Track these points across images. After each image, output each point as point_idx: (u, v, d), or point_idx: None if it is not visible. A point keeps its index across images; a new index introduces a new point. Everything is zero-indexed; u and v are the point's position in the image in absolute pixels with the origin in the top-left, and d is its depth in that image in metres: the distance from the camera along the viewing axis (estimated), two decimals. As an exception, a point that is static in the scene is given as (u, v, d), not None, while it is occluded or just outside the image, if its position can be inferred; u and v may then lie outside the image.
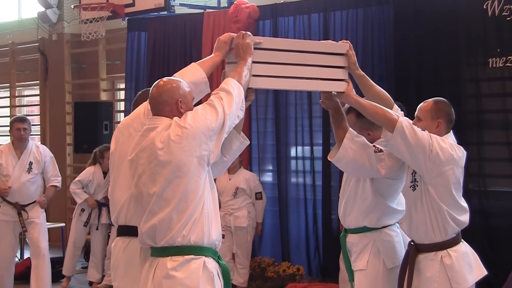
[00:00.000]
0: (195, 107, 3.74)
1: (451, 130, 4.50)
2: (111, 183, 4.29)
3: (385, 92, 4.54)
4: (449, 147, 4.32)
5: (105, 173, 8.89)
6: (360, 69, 4.39)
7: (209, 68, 4.02)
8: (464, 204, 4.44)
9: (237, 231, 8.36)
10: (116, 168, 4.18)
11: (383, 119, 4.30)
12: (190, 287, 3.60)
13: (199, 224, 3.64)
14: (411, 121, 4.35)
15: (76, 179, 9.09)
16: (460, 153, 4.38)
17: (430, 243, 4.42)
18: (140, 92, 4.76)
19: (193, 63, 4.03)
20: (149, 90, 4.21)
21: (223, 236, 8.35)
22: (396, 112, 4.42)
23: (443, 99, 4.55)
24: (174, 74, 3.93)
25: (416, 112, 4.52)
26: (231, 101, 3.75)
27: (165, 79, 3.84)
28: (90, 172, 9.03)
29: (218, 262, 3.78)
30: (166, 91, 3.74)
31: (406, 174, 4.54)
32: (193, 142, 3.60)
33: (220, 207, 8.40)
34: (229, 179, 8.39)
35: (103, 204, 8.91)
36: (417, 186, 4.42)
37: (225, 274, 3.82)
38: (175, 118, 3.66)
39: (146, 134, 3.71)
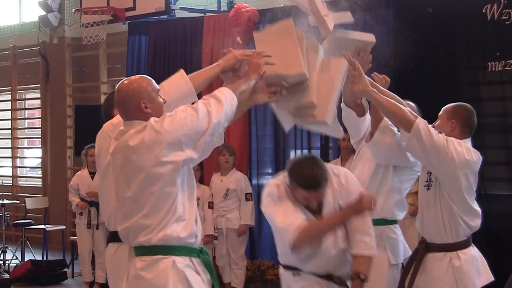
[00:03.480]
0: (176, 109, 3.57)
1: (470, 138, 4.49)
2: (99, 188, 4.22)
3: (395, 95, 4.53)
4: (465, 151, 4.31)
5: (91, 173, 8.90)
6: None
7: (204, 81, 3.90)
8: (477, 208, 4.43)
9: (229, 233, 8.34)
10: (102, 173, 4.14)
11: (400, 118, 4.30)
12: (159, 287, 3.53)
13: (170, 225, 3.54)
14: (427, 123, 4.33)
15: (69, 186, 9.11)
16: (475, 158, 4.38)
17: (440, 243, 4.42)
18: (108, 94, 4.69)
19: (181, 71, 3.88)
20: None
21: (216, 238, 8.27)
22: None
23: (466, 104, 4.59)
24: (162, 83, 3.79)
25: None
26: (220, 110, 3.61)
27: (125, 81, 3.69)
28: (77, 176, 9.17)
29: (199, 257, 3.69)
30: (127, 95, 3.61)
31: (422, 173, 4.52)
32: (167, 148, 3.48)
33: (212, 208, 8.37)
34: (221, 181, 8.37)
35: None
36: (432, 186, 4.44)
37: (209, 268, 3.73)
38: (152, 120, 3.53)
39: (119, 138, 3.61)
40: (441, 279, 4.35)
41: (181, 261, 3.59)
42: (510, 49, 7.36)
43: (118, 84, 3.70)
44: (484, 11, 7.45)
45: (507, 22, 7.35)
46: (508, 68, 7.39)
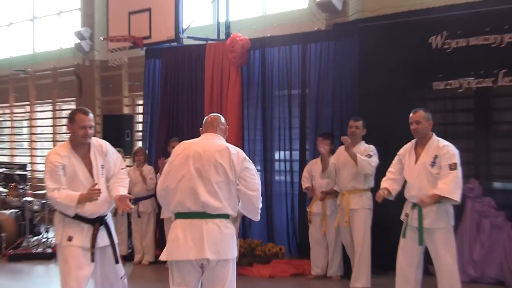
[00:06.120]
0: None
1: None
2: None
3: None
4: None
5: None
6: None
7: None
8: None
9: None
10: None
11: None
12: (233, 237, 4.46)
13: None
14: None
15: None
16: None
17: None
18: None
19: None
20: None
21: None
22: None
23: None
24: None
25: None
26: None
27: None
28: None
29: None
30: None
31: None
32: None
33: None
34: None
35: (140, 199, 8.82)
36: None
37: None
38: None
39: None
40: None
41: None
42: (450, 71, 7.43)
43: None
44: (429, 41, 7.50)
45: (448, 50, 7.41)
46: (448, 87, 7.46)
